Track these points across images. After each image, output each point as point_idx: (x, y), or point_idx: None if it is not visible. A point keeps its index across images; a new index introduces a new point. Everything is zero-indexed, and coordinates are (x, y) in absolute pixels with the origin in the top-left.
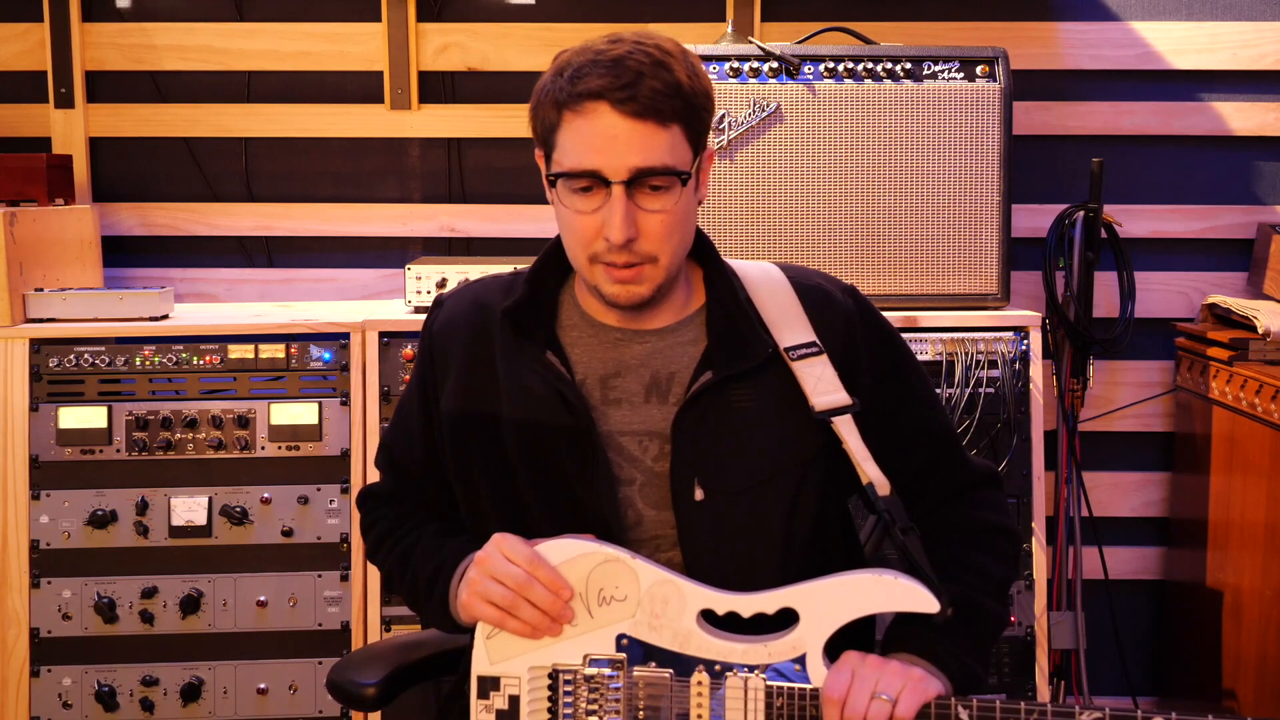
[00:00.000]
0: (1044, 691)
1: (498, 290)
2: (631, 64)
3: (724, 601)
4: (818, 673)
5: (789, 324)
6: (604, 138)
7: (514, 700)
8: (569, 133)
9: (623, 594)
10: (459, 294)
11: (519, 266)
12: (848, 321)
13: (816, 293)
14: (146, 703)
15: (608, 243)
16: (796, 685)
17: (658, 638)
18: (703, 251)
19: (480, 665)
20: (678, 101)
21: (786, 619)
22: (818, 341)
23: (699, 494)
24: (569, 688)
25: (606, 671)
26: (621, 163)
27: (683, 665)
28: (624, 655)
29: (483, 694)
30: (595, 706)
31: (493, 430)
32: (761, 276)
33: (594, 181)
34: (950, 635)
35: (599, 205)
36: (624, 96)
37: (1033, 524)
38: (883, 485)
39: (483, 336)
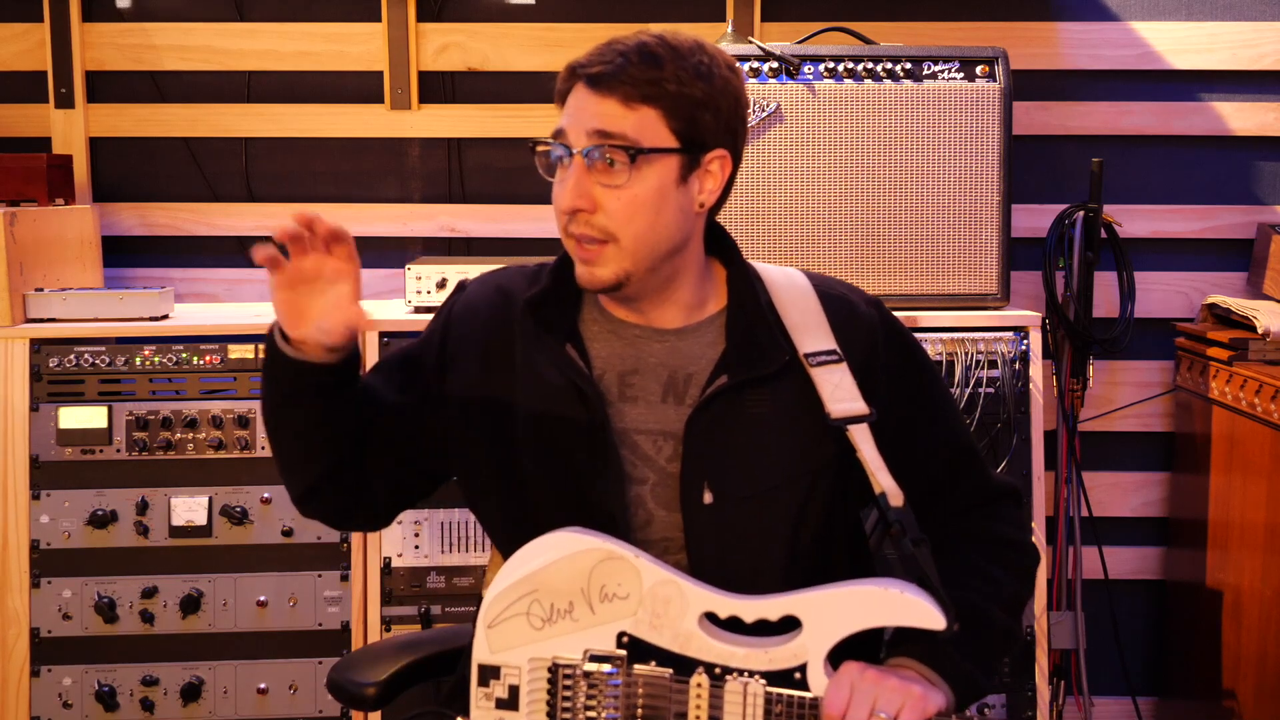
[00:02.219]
0: (1044, 692)
1: (522, 279)
2: (619, 47)
3: (727, 605)
4: (818, 682)
5: (810, 331)
6: (572, 108)
7: (514, 690)
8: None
9: (625, 592)
10: (484, 279)
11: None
12: (870, 333)
13: (841, 302)
14: (146, 703)
15: (567, 215)
16: (796, 693)
17: (658, 637)
18: (727, 253)
19: (481, 653)
20: (654, 88)
21: (789, 625)
22: (838, 350)
23: (708, 497)
24: (568, 682)
25: (606, 669)
26: (581, 129)
27: (683, 666)
28: (624, 653)
29: (483, 682)
30: (594, 703)
31: (504, 418)
32: (786, 282)
33: (564, 152)
34: (957, 644)
35: (566, 176)
36: (591, 73)
37: (1033, 524)
38: (895, 496)
39: (504, 324)
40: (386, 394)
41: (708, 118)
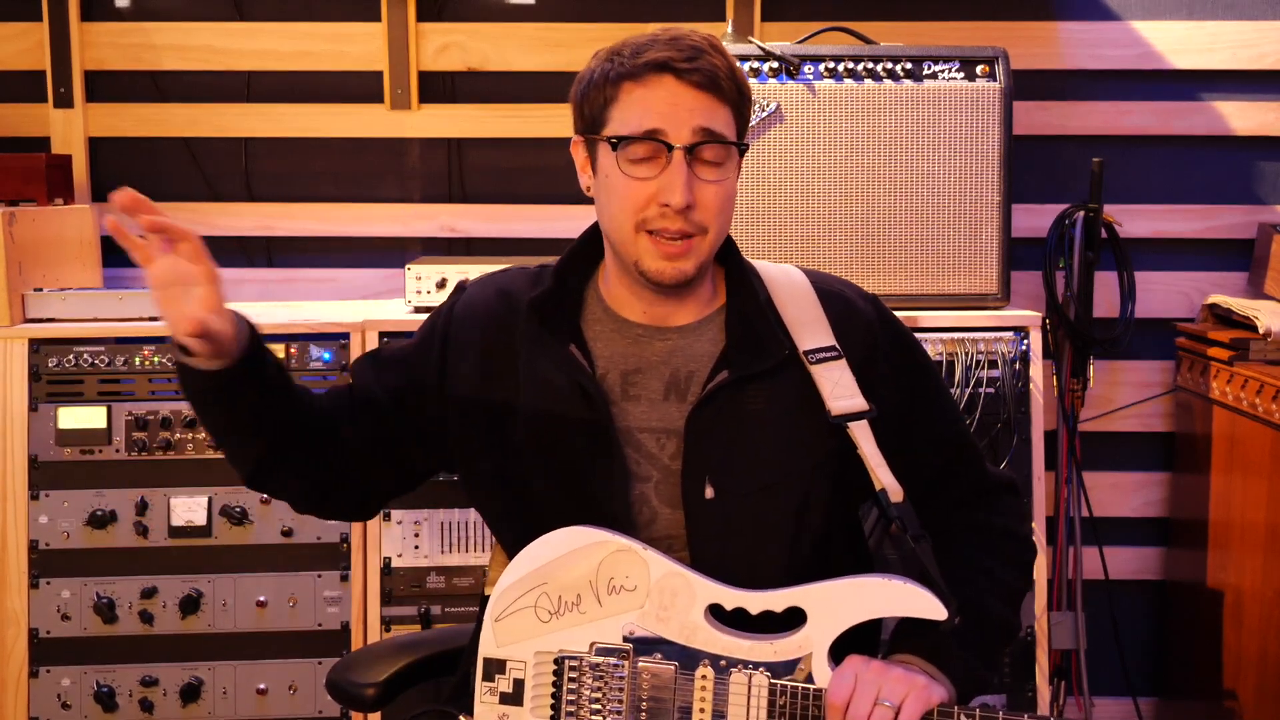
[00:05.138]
0: (1044, 692)
1: (524, 281)
2: (691, 42)
3: (733, 598)
4: (822, 674)
5: (809, 327)
6: (668, 104)
7: (519, 684)
8: (628, 103)
9: (633, 584)
10: (484, 281)
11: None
12: (868, 328)
13: (838, 298)
14: (146, 703)
15: (662, 209)
16: (800, 685)
17: (665, 630)
18: (726, 251)
19: (487, 647)
20: (732, 84)
21: (794, 618)
22: (837, 346)
23: (709, 492)
24: (574, 675)
25: (612, 661)
26: (685, 126)
27: (688, 659)
28: (630, 645)
29: (488, 676)
30: (599, 695)
31: (506, 419)
32: (784, 278)
33: (653, 147)
34: (957, 638)
35: (657, 172)
36: (689, 68)
37: (1033, 524)
38: (896, 492)
39: (506, 325)
40: (375, 394)
41: (748, 112)
